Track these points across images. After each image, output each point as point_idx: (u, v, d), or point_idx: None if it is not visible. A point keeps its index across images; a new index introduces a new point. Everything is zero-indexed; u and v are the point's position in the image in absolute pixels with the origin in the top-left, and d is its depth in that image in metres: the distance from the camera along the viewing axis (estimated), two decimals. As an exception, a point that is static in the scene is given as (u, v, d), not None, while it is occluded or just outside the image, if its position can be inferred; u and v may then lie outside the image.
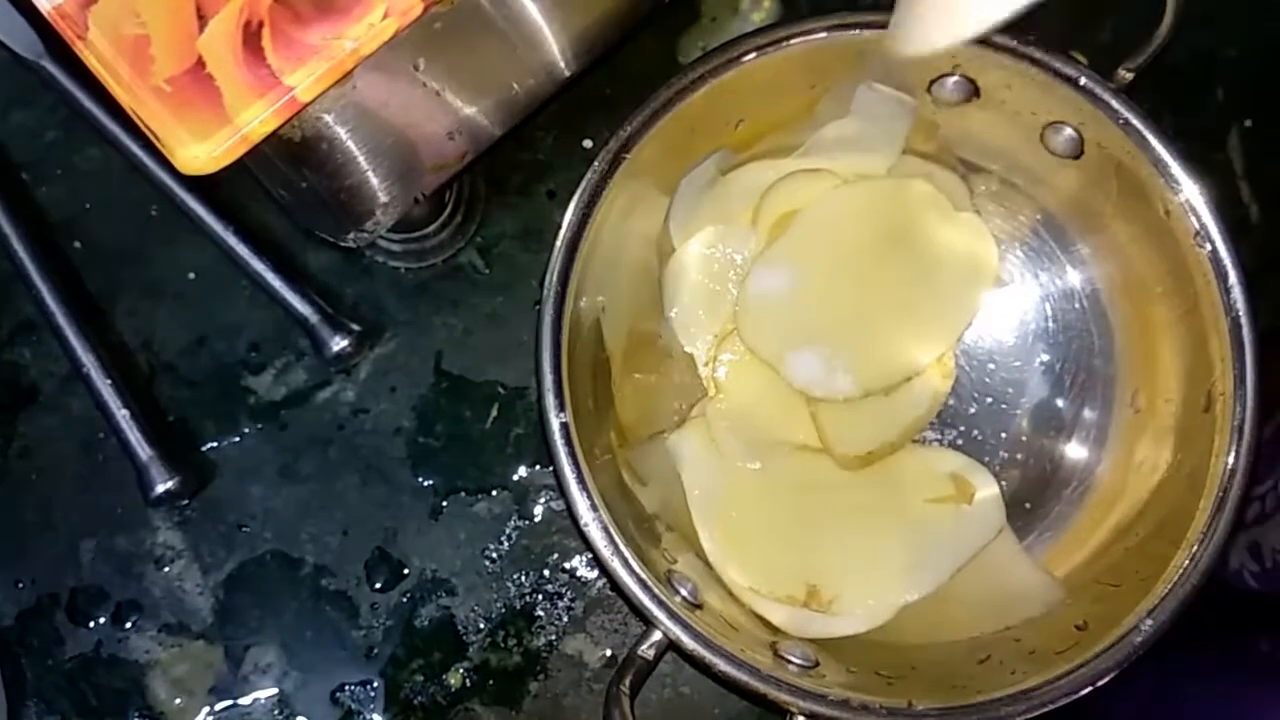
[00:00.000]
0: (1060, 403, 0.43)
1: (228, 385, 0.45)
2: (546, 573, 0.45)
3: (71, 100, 0.45)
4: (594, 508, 0.36)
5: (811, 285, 0.42)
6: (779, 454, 0.42)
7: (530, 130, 0.46)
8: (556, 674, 0.44)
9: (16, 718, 0.43)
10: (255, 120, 0.29)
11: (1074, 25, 0.48)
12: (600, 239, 0.38)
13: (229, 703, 0.44)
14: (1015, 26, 0.39)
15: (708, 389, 0.43)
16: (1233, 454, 0.36)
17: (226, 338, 0.46)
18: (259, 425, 0.45)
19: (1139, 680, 0.35)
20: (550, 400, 0.36)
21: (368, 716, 0.44)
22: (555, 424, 0.36)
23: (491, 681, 0.44)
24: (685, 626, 0.35)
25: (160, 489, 0.42)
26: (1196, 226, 0.38)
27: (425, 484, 0.45)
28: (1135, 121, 0.38)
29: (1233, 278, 0.37)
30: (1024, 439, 0.43)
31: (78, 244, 0.46)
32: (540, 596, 0.45)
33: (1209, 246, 0.37)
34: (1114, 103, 0.38)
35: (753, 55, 0.39)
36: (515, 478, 0.45)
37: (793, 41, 0.39)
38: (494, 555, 0.45)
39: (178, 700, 0.44)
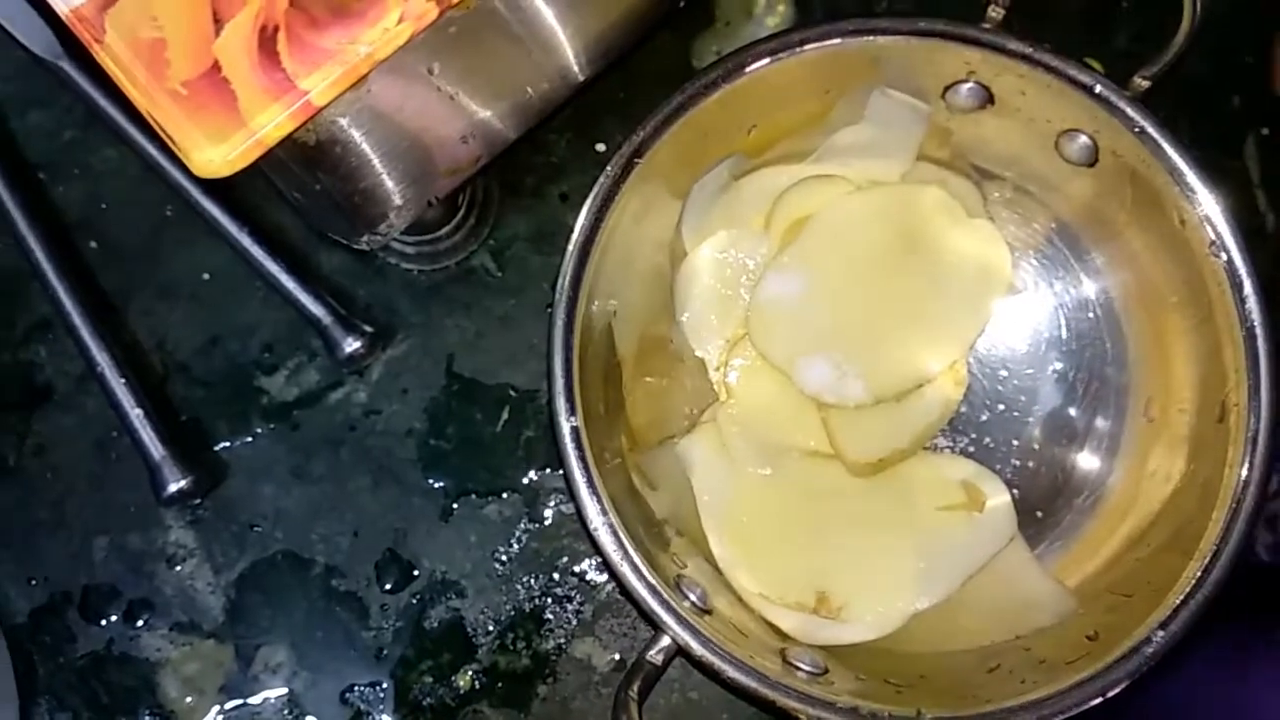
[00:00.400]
0: (1073, 411, 0.43)
1: (241, 385, 0.45)
2: (556, 576, 0.45)
3: (89, 101, 0.45)
4: (604, 512, 0.36)
5: (824, 291, 0.42)
6: (789, 460, 0.42)
7: (543, 133, 0.46)
8: (565, 677, 0.44)
9: (28, 714, 0.44)
10: (270, 124, 0.30)
11: (1089, 32, 0.48)
12: (612, 243, 0.38)
13: (239, 702, 0.44)
14: (1030, 33, 0.39)
15: (719, 394, 0.43)
16: (1246, 465, 0.36)
17: (240, 338, 0.46)
18: (271, 425, 0.45)
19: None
20: (561, 404, 0.37)
21: (377, 717, 0.44)
22: (566, 428, 0.36)
23: (500, 684, 0.44)
24: (694, 632, 0.35)
25: (173, 488, 0.43)
26: (1212, 236, 0.37)
27: (436, 486, 0.45)
28: (1150, 130, 0.38)
29: (1248, 288, 0.37)
30: (1036, 447, 0.43)
31: (94, 244, 0.46)
32: (550, 599, 0.45)
33: (1224, 256, 0.37)
34: (1129, 111, 0.38)
35: (766, 61, 0.39)
36: (525, 480, 0.45)
37: (807, 48, 0.39)
38: (504, 558, 0.45)
39: (188, 699, 0.44)
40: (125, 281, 0.46)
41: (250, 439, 0.45)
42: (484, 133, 0.38)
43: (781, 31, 0.39)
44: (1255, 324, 0.37)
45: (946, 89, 0.41)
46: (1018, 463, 0.43)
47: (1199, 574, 0.35)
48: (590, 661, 0.44)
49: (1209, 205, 0.37)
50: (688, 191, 0.42)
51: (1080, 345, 0.43)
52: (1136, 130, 0.38)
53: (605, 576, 0.45)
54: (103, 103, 0.45)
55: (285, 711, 0.44)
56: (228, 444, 0.45)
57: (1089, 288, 0.44)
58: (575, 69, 0.39)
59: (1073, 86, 0.38)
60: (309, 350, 0.46)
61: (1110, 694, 0.34)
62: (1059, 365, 0.44)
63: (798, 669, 0.37)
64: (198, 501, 0.45)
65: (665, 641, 0.35)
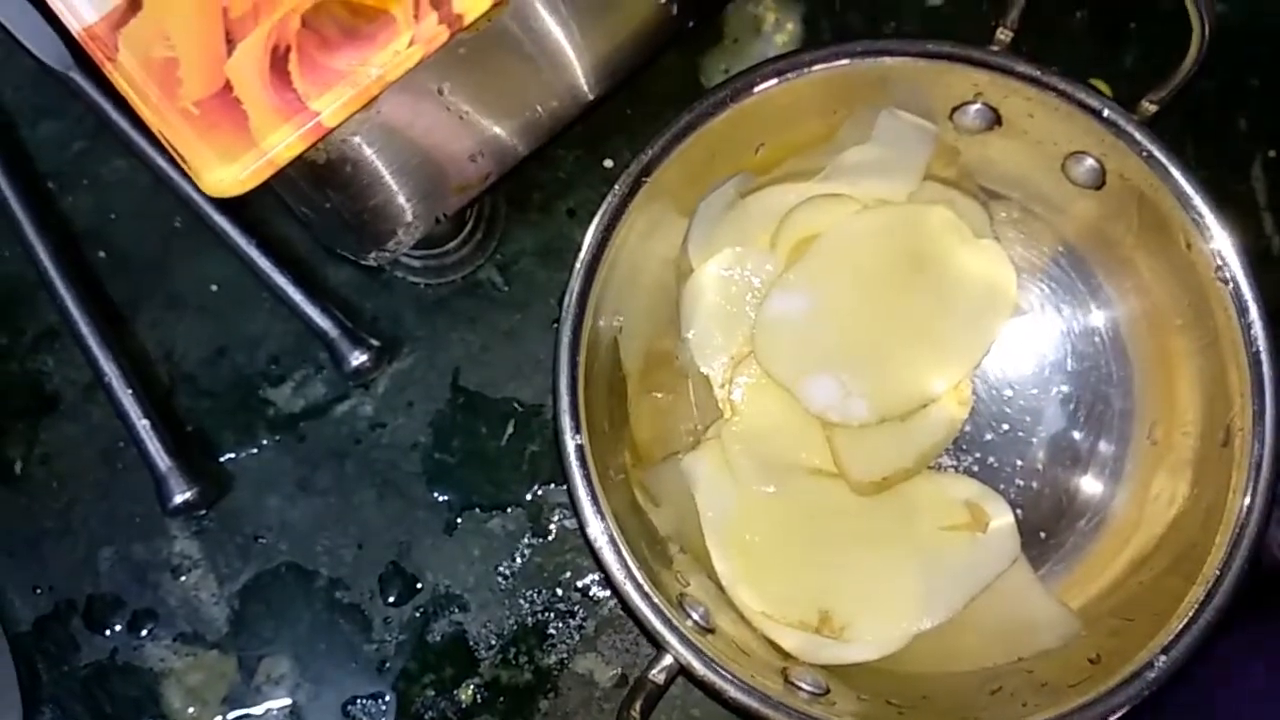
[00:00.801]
0: (1077, 434, 0.43)
1: (247, 397, 0.46)
2: (559, 591, 0.45)
3: (99, 111, 0.45)
4: (608, 530, 0.36)
5: (829, 310, 0.42)
6: (794, 478, 0.42)
7: (551, 149, 0.46)
8: (567, 692, 0.44)
9: (32, 723, 0.44)
10: (281, 144, 0.30)
11: (1097, 53, 0.48)
12: (619, 260, 0.38)
13: (242, 712, 0.44)
14: (1038, 55, 0.39)
15: (723, 411, 0.43)
16: (1250, 491, 0.36)
17: (247, 350, 0.46)
18: (277, 437, 0.46)
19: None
20: (566, 421, 0.37)
21: (379, 730, 0.44)
22: (571, 445, 0.37)
23: (502, 698, 0.44)
24: (696, 652, 0.35)
25: (179, 499, 0.43)
26: (1218, 261, 0.37)
27: (440, 499, 0.45)
28: (1158, 154, 0.38)
29: (1254, 313, 0.37)
30: (1040, 468, 0.43)
31: (102, 254, 0.47)
32: (552, 614, 0.45)
33: (1230, 281, 0.37)
34: (1137, 135, 0.38)
35: (775, 81, 0.39)
36: (529, 495, 0.45)
37: (815, 68, 0.39)
38: (507, 572, 0.45)
39: (191, 709, 0.44)
40: (133, 292, 0.46)
41: (256, 450, 0.45)
42: (493, 151, 0.38)
43: (791, 52, 0.39)
44: (1260, 349, 0.37)
45: (954, 110, 0.41)
46: (1021, 483, 0.43)
47: (1202, 599, 0.35)
48: (592, 677, 0.44)
49: (1216, 230, 0.38)
50: (694, 209, 0.42)
51: (1085, 367, 0.43)
52: (1144, 154, 0.38)
53: (608, 592, 0.45)
54: (113, 113, 0.45)
55: (287, 723, 0.44)
56: (233, 455, 0.45)
57: (1095, 310, 0.44)
58: (585, 88, 0.39)
59: (1080, 109, 0.39)
60: (315, 363, 0.46)
61: (1112, 718, 0.34)
62: (1064, 387, 0.44)
63: (800, 689, 0.37)
64: (203, 512, 0.45)
65: (667, 661, 0.35)
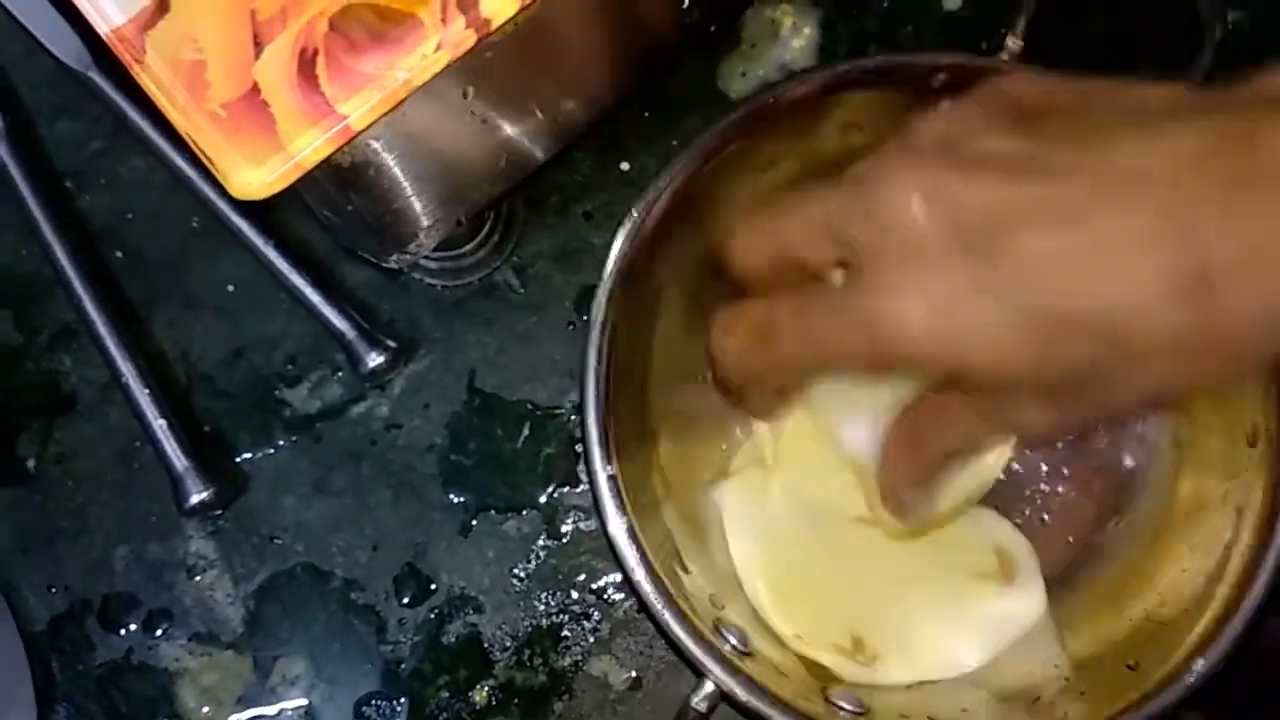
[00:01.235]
0: (1102, 441, 0.43)
1: (264, 398, 0.46)
2: (574, 593, 0.45)
3: (117, 111, 0.45)
4: (644, 562, 0.36)
5: None
6: (826, 515, 0.41)
7: (569, 152, 0.46)
8: (581, 694, 0.44)
9: (46, 722, 0.44)
10: (308, 147, 0.30)
11: (1111, 59, 0.48)
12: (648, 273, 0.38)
13: (256, 713, 0.44)
14: (1050, 63, 0.39)
15: (761, 450, 0.42)
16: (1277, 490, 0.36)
17: (264, 350, 0.46)
18: (293, 438, 0.46)
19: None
20: (597, 453, 0.37)
21: (393, 731, 0.44)
22: (603, 477, 0.36)
23: (517, 700, 0.44)
24: (738, 677, 0.35)
25: (195, 499, 0.43)
26: None
27: (456, 501, 0.45)
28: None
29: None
30: (1066, 473, 0.43)
31: (119, 253, 0.47)
32: (567, 617, 0.45)
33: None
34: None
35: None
36: (545, 497, 0.45)
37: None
38: (522, 574, 0.45)
39: (205, 709, 0.44)
40: (150, 292, 0.46)
41: (272, 451, 0.46)
42: (515, 154, 0.38)
43: (812, 68, 0.39)
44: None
45: None
46: (1047, 489, 0.43)
47: (1236, 599, 0.35)
48: (607, 679, 0.44)
49: None
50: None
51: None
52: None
53: (622, 595, 0.45)
54: (131, 113, 0.45)
55: (301, 723, 0.44)
56: (249, 455, 0.45)
57: None
58: (608, 92, 0.39)
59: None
60: (332, 364, 0.46)
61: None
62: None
63: (840, 709, 0.37)
64: (219, 512, 0.45)
65: (709, 688, 0.35)
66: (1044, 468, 0.43)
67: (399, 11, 0.30)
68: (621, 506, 0.36)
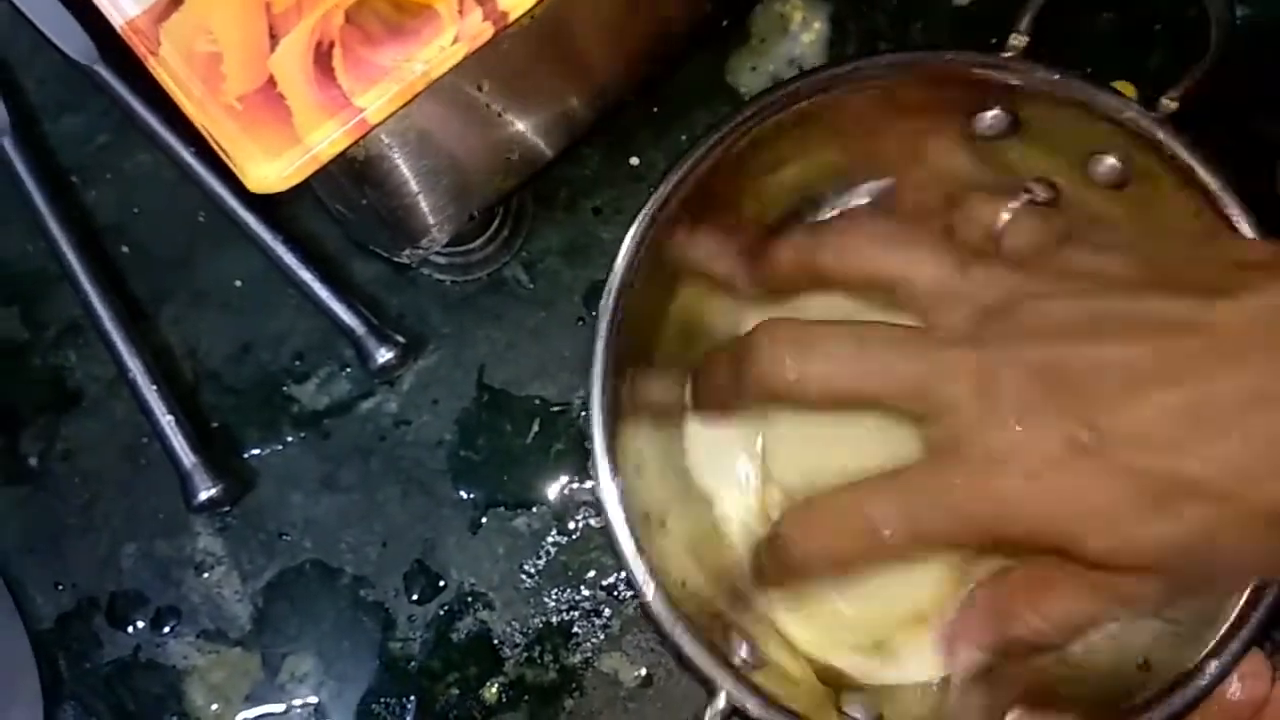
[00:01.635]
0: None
1: (271, 393, 0.45)
2: (584, 589, 0.45)
3: (123, 105, 0.45)
4: (654, 577, 0.36)
5: None
6: None
7: (577, 147, 0.46)
8: (592, 691, 0.44)
9: (53, 720, 0.44)
10: (325, 140, 0.29)
11: (1122, 56, 0.48)
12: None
13: (264, 710, 0.44)
14: (1057, 59, 0.39)
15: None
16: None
17: (271, 346, 0.46)
18: (302, 434, 0.45)
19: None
20: (605, 465, 0.36)
21: (403, 728, 0.44)
22: (612, 489, 0.36)
23: (527, 697, 0.44)
24: (751, 691, 0.35)
25: (203, 496, 0.43)
26: None
27: (465, 497, 0.45)
28: (1179, 151, 0.38)
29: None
30: None
31: (125, 249, 0.46)
32: (577, 613, 0.45)
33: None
34: (1158, 133, 0.38)
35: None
36: (554, 493, 0.45)
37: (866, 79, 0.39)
38: (532, 570, 0.45)
39: (214, 706, 0.44)
40: (157, 287, 0.46)
41: (280, 447, 0.45)
42: (528, 148, 0.38)
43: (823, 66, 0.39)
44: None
45: (972, 115, 0.41)
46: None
47: (1249, 600, 0.35)
48: (617, 676, 0.44)
49: (1242, 227, 0.38)
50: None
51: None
52: (1166, 153, 0.38)
53: (633, 592, 0.44)
54: (137, 107, 0.45)
55: (310, 720, 0.44)
56: (258, 452, 0.45)
57: None
58: (621, 85, 0.39)
59: (1096, 109, 0.39)
60: (340, 360, 0.46)
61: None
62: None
63: (852, 718, 0.37)
64: (227, 509, 0.45)
65: (722, 703, 0.35)
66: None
67: (416, 4, 0.30)
68: (628, 518, 0.36)
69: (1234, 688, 0.34)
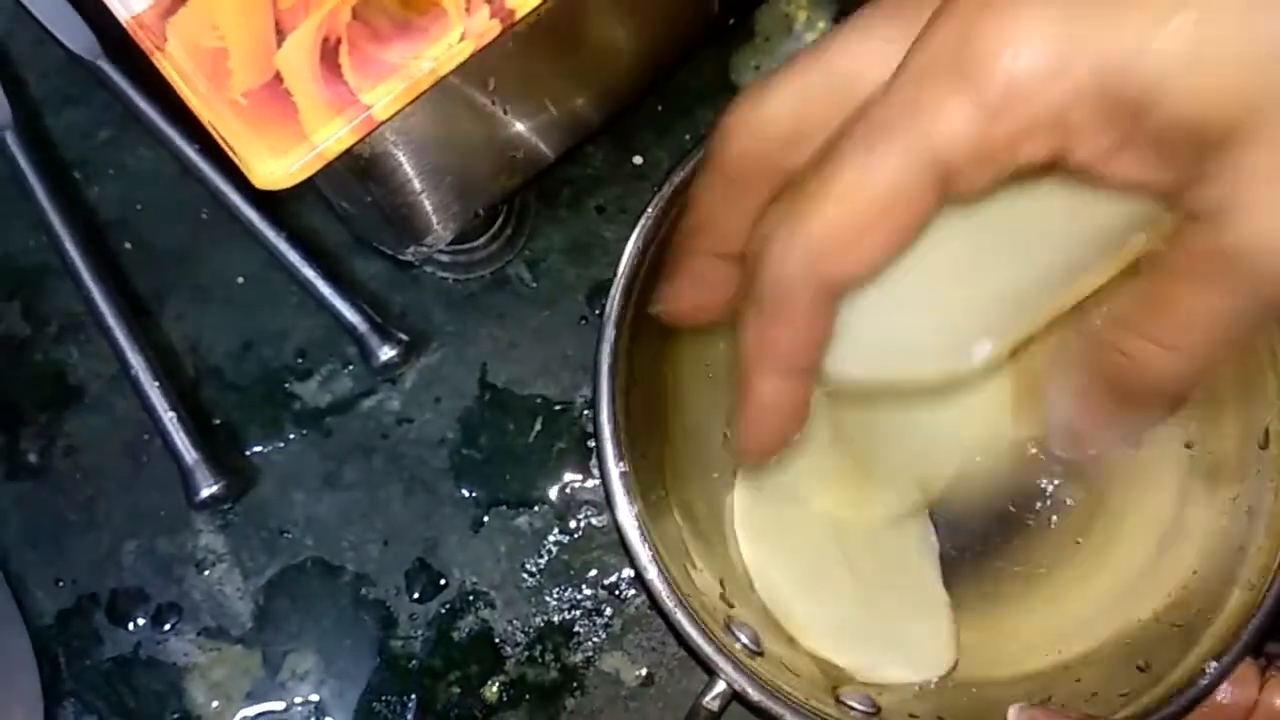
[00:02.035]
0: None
1: (274, 391, 0.45)
2: (586, 588, 0.45)
3: (126, 101, 0.45)
4: (657, 560, 0.35)
5: None
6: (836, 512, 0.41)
7: (580, 145, 0.46)
8: (593, 690, 0.44)
9: (53, 717, 0.43)
10: (331, 138, 0.29)
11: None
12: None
13: (265, 708, 0.44)
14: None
15: None
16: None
17: (274, 343, 0.46)
18: (304, 432, 0.45)
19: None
20: (609, 450, 0.36)
21: (403, 727, 0.44)
22: (615, 473, 0.36)
23: (528, 696, 0.44)
24: (750, 677, 0.35)
25: (205, 493, 0.43)
26: None
27: (467, 496, 0.45)
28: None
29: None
30: (1070, 478, 0.43)
31: (128, 244, 0.46)
32: (579, 612, 0.45)
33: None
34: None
35: None
36: (556, 492, 0.45)
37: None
38: (533, 569, 0.45)
39: (214, 704, 0.44)
40: (159, 283, 0.46)
41: (282, 444, 0.45)
42: (533, 146, 0.38)
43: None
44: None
45: None
46: (1056, 491, 0.43)
47: (1248, 602, 0.35)
48: (619, 675, 0.44)
49: None
50: None
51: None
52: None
53: (635, 591, 0.45)
54: (140, 103, 0.45)
55: (311, 719, 0.44)
56: (259, 449, 0.45)
57: None
58: (626, 85, 0.39)
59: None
60: (343, 357, 0.45)
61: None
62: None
63: (851, 709, 0.37)
64: (228, 506, 0.44)
65: (720, 687, 0.35)
66: (1054, 469, 0.43)
67: (423, 1, 0.30)
68: (633, 503, 0.36)
69: (1223, 692, 0.34)
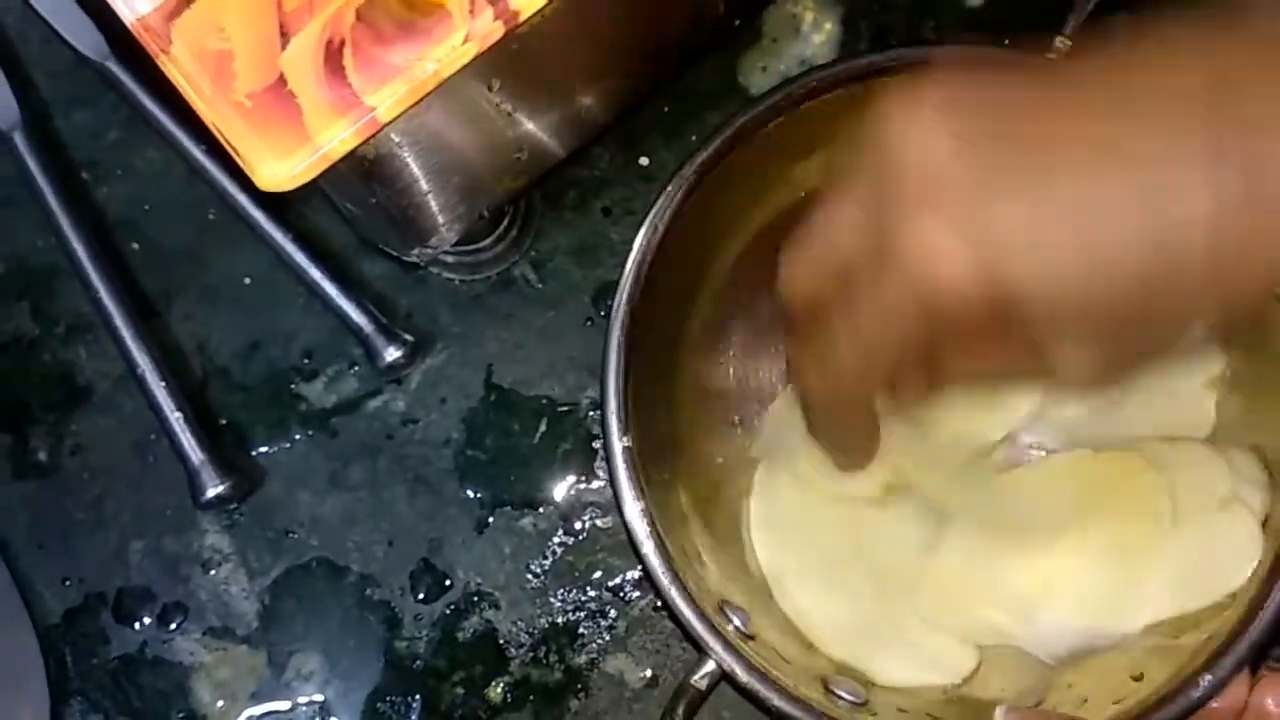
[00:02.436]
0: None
1: (280, 391, 0.45)
2: (590, 590, 0.45)
3: (134, 102, 0.45)
4: (654, 535, 0.36)
5: None
6: (846, 502, 0.41)
7: (587, 147, 0.46)
8: (597, 692, 0.44)
9: (60, 716, 0.44)
10: (335, 139, 0.29)
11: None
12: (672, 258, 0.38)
13: (270, 707, 0.44)
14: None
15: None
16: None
17: (280, 344, 0.46)
18: (310, 432, 0.45)
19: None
20: (614, 423, 0.36)
21: (408, 727, 0.44)
22: (618, 448, 0.36)
23: (532, 697, 0.44)
24: (739, 658, 0.35)
25: (211, 493, 0.43)
26: None
27: (472, 496, 0.45)
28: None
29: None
30: None
31: (136, 245, 0.46)
32: (583, 614, 0.45)
33: None
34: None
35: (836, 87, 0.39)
36: (561, 494, 0.45)
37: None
38: (538, 570, 0.45)
39: (220, 703, 0.44)
40: (167, 284, 0.46)
41: (288, 445, 0.45)
42: (538, 147, 0.38)
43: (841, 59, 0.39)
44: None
45: None
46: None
47: (1244, 618, 0.34)
48: (623, 677, 0.44)
49: None
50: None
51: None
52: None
53: (639, 592, 0.45)
54: (148, 104, 0.45)
55: (316, 718, 0.44)
56: (266, 449, 0.45)
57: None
58: (630, 86, 0.39)
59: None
60: (349, 358, 0.46)
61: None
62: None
63: (839, 698, 0.37)
64: (234, 506, 0.45)
65: (710, 667, 0.35)
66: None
67: (427, 3, 0.30)
68: (636, 482, 0.36)
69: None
